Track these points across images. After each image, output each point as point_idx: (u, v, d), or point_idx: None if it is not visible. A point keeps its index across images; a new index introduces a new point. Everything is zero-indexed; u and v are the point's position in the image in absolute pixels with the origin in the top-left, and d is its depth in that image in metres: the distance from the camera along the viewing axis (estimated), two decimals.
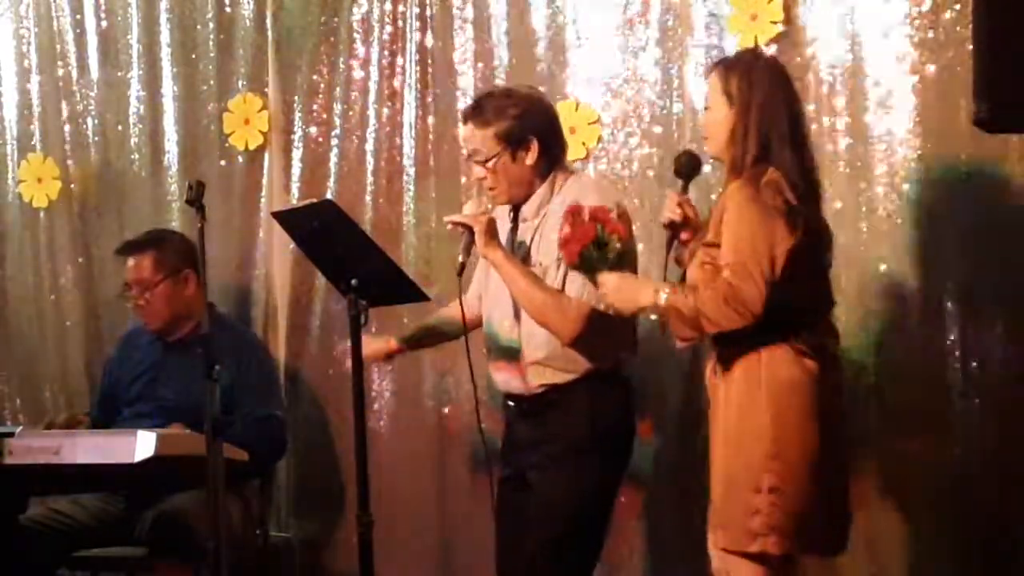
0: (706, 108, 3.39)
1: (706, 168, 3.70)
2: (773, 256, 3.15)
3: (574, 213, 3.29)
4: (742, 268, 3.14)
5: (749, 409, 3.22)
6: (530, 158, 3.59)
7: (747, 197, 3.19)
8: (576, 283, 3.49)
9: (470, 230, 3.51)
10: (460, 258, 3.55)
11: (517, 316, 3.61)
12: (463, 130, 3.70)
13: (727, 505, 3.25)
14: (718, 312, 3.14)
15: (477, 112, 3.63)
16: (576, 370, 3.57)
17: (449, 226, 3.61)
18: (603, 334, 3.52)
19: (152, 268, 4.48)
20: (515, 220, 3.68)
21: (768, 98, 3.28)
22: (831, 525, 3.28)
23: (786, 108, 3.30)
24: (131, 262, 4.52)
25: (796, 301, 3.19)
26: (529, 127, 3.58)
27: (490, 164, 3.59)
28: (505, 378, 3.68)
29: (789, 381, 3.20)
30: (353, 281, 3.56)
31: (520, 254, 3.61)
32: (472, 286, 3.89)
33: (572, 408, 3.57)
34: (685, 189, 3.43)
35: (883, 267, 4.13)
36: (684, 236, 3.41)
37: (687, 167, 3.46)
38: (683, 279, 3.39)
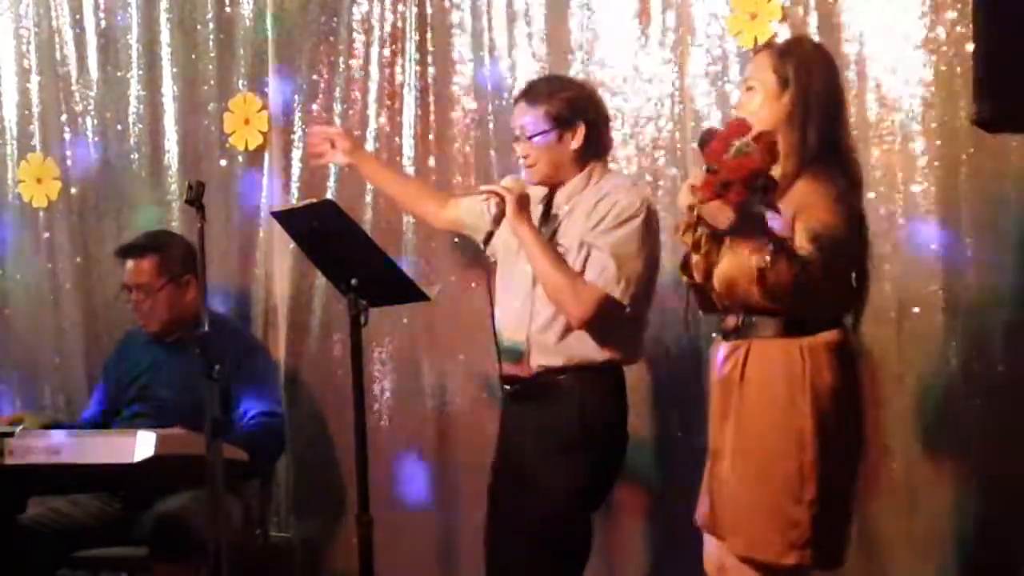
0: (748, 88, 3.20)
1: None
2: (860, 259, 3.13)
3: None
4: (823, 259, 2.98)
5: (790, 415, 3.05)
6: (575, 143, 3.66)
7: (835, 196, 3.06)
8: (595, 269, 3.55)
9: (503, 200, 3.57)
10: (488, 227, 3.63)
11: (526, 302, 3.66)
12: (514, 111, 3.76)
13: (759, 515, 3.07)
14: (785, 280, 2.95)
15: (530, 91, 3.73)
16: (571, 356, 3.60)
17: (483, 196, 3.67)
18: (615, 324, 3.56)
19: (154, 272, 4.46)
20: (547, 204, 3.74)
21: (828, 86, 3.16)
22: (845, 537, 3.16)
23: (842, 99, 3.22)
24: (131, 264, 4.50)
25: (845, 303, 3.15)
26: (580, 112, 3.66)
27: (536, 140, 3.66)
28: (509, 375, 3.73)
29: (832, 387, 3.06)
30: (353, 281, 3.57)
31: (545, 237, 3.66)
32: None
33: (564, 399, 3.60)
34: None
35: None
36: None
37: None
38: (683, 266, 3.26)
